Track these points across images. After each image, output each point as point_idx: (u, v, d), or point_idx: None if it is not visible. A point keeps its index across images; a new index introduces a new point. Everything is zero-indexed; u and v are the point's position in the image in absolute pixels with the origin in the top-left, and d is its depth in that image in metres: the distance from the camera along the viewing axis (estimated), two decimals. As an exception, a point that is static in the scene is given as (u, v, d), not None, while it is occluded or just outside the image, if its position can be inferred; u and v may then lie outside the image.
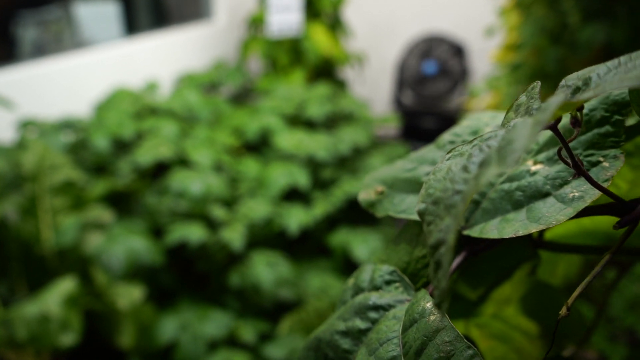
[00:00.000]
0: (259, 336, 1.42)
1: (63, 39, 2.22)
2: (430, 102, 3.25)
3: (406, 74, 3.26)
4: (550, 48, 1.24)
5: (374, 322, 0.22)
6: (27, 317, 0.95)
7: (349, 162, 2.23)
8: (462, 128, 0.29)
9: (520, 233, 0.19)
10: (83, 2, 2.34)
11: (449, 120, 3.15)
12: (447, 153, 0.25)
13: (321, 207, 1.85)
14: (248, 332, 1.40)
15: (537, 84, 0.18)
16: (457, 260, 0.23)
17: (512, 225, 0.19)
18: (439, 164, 0.17)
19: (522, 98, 0.19)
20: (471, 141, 0.16)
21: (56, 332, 0.94)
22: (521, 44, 1.46)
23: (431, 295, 0.22)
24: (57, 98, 2.00)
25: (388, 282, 0.24)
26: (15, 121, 1.69)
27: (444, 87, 3.20)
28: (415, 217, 0.25)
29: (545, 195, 0.21)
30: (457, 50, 3.12)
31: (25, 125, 1.62)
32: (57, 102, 2.00)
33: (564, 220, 0.18)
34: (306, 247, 1.99)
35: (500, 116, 0.27)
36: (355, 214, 2.07)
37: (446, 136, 0.29)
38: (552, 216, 0.18)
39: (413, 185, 0.27)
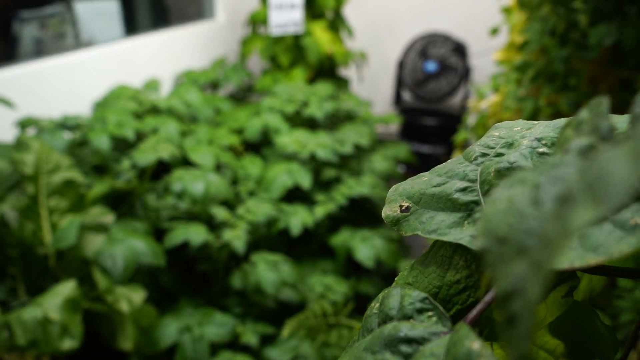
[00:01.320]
0: (261, 339, 1.41)
1: (63, 37, 2.20)
2: (430, 101, 3.22)
3: (406, 73, 3.24)
4: (556, 48, 1.22)
5: (408, 357, 0.20)
6: (27, 321, 0.93)
7: (351, 161, 2.21)
8: (492, 139, 0.27)
9: (577, 264, 0.17)
10: (83, 1, 2.31)
11: (450, 119, 3.13)
12: (496, 177, 0.23)
13: (323, 207, 1.83)
14: (250, 334, 1.38)
15: (604, 101, 0.16)
16: (493, 292, 0.21)
17: (566, 254, 0.17)
18: (495, 192, 0.15)
19: (584, 114, 0.17)
20: (536, 169, 0.14)
21: (56, 337, 0.92)
22: (526, 43, 1.44)
23: (470, 323, 0.20)
24: (57, 97, 1.98)
25: (420, 311, 0.22)
26: (15, 120, 1.67)
27: (445, 86, 3.18)
28: (447, 237, 0.23)
29: (600, 219, 0.19)
30: (458, 49, 3.10)
31: (25, 124, 1.60)
32: (57, 100, 1.98)
33: (628, 252, 0.16)
34: (308, 248, 1.97)
35: (536, 127, 0.25)
36: (357, 214, 2.05)
37: (476, 148, 0.27)
38: (613, 245, 0.16)
39: (443, 202, 0.25)
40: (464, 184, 0.25)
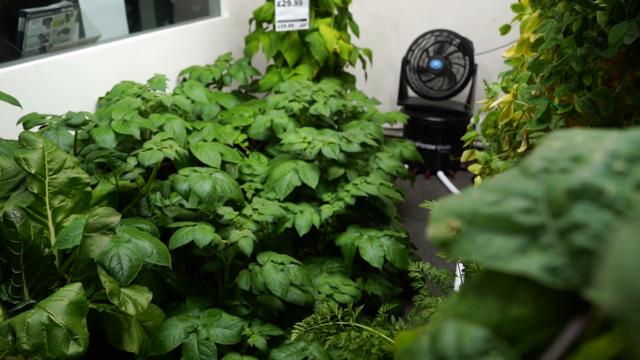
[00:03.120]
0: (268, 341, 1.38)
1: (69, 34, 2.17)
2: (435, 99, 3.19)
3: (411, 70, 3.21)
4: (572, 46, 1.19)
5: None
6: (31, 325, 0.91)
7: (358, 160, 2.18)
8: (553, 151, 0.24)
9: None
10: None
11: (455, 117, 3.10)
12: (569, 198, 0.21)
13: (330, 206, 1.80)
14: (257, 337, 1.36)
15: None
16: (572, 331, 0.18)
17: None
18: (617, 235, 0.12)
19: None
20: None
21: (62, 342, 0.90)
22: (537, 41, 1.41)
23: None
24: (61, 94, 1.96)
25: (483, 352, 0.19)
26: (20, 117, 1.65)
27: (450, 84, 3.14)
28: (513, 266, 0.21)
29: None
30: (464, 47, 3.06)
31: (30, 121, 1.58)
32: (61, 97, 1.96)
33: None
34: (315, 247, 1.95)
35: (606, 139, 0.23)
36: (364, 213, 2.03)
37: (535, 161, 0.24)
38: None
39: (501, 224, 0.22)
40: (525, 203, 0.22)
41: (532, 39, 1.37)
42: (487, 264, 0.21)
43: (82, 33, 2.29)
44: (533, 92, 1.37)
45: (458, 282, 1.80)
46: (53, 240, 1.28)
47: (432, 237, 0.25)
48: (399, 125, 3.60)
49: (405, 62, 3.21)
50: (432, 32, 3.16)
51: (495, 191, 0.24)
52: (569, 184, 0.21)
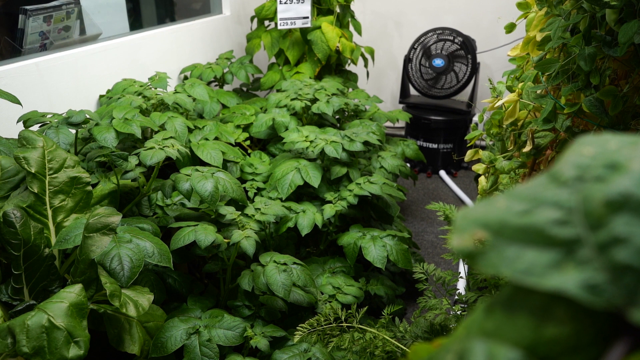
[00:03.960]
0: (271, 342, 1.37)
1: (69, 31, 2.16)
2: (437, 98, 3.17)
3: (413, 68, 3.19)
4: (580, 45, 1.17)
5: None
6: (31, 328, 0.89)
7: (360, 159, 2.17)
8: (585, 158, 0.23)
9: None
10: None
11: (457, 116, 3.09)
12: (608, 210, 0.19)
13: (333, 206, 1.79)
14: (260, 338, 1.35)
15: None
16: (615, 355, 0.17)
17: None
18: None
19: None
20: None
21: (62, 344, 0.89)
22: (544, 39, 1.39)
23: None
24: (62, 91, 1.94)
25: (519, 375, 0.18)
26: (20, 115, 1.63)
27: (452, 82, 3.13)
28: (549, 283, 0.19)
29: None
30: (466, 45, 3.04)
31: (30, 119, 1.56)
32: (62, 95, 1.94)
33: None
34: (317, 247, 1.94)
35: (643, 146, 0.21)
36: (367, 212, 2.01)
37: (566, 168, 0.23)
38: None
39: (532, 236, 0.21)
40: (559, 213, 0.21)
41: (539, 37, 1.35)
42: (518, 279, 0.20)
43: (82, 30, 2.27)
44: (539, 92, 1.35)
45: (463, 283, 1.79)
46: (53, 240, 1.27)
47: (456, 249, 0.23)
48: (401, 123, 3.59)
49: (407, 60, 3.20)
50: (434, 30, 3.14)
51: (524, 200, 0.22)
52: (607, 194, 0.20)
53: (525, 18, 1.53)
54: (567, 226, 0.20)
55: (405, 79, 3.24)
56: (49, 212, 1.28)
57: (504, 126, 1.57)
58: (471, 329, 0.22)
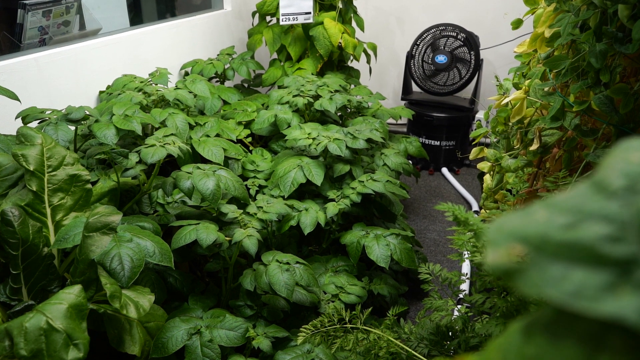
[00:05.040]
0: (273, 343, 1.35)
1: (69, 26, 2.13)
2: (440, 94, 3.15)
3: (416, 65, 3.16)
4: (590, 42, 1.15)
5: None
6: (29, 330, 0.87)
7: (363, 156, 2.15)
8: (634, 166, 0.21)
9: None
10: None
11: (460, 112, 3.06)
12: None
13: (336, 204, 1.77)
14: (262, 339, 1.33)
15: None
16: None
17: None
18: None
19: None
20: None
21: (61, 347, 0.87)
22: (553, 36, 1.37)
23: None
24: (61, 87, 1.92)
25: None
26: (19, 112, 1.61)
27: (455, 79, 3.10)
28: (603, 308, 0.17)
29: None
30: (469, 41, 3.01)
31: (29, 116, 1.54)
32: (61, 91, 1.92)
33: None
34: (320, 245, 1.92)
35: None
36: (370, 210, 1.99)
37: (614, 177, 0.20)
38: None
39: (580, 253, 0.19)
40: (609, 228, 0.19)
41: (547, 33, 1.33)
42: (565, 302, 0.18)
43: (82, 25, 2.24)
44: (546, 89, 1.33)
45: (467, 283, 1.77)
46: (52, 239, 1.25)
47: (492, 266, 0.21)
48: (403, 120, 3.56)
49: (410, 56, 3.17)
50: (437, 26, 3.11)
51: (567, 212, 0.20)
52: (668, 208, 0.18)
53: (532, 14, 1.50)
54: (620, 243, 0.18)
55: (408, 75, 3.21)
56: (48, 211, 1.26)
57: (510, 124, 1.55)
58: (508, 353, 0.20)
